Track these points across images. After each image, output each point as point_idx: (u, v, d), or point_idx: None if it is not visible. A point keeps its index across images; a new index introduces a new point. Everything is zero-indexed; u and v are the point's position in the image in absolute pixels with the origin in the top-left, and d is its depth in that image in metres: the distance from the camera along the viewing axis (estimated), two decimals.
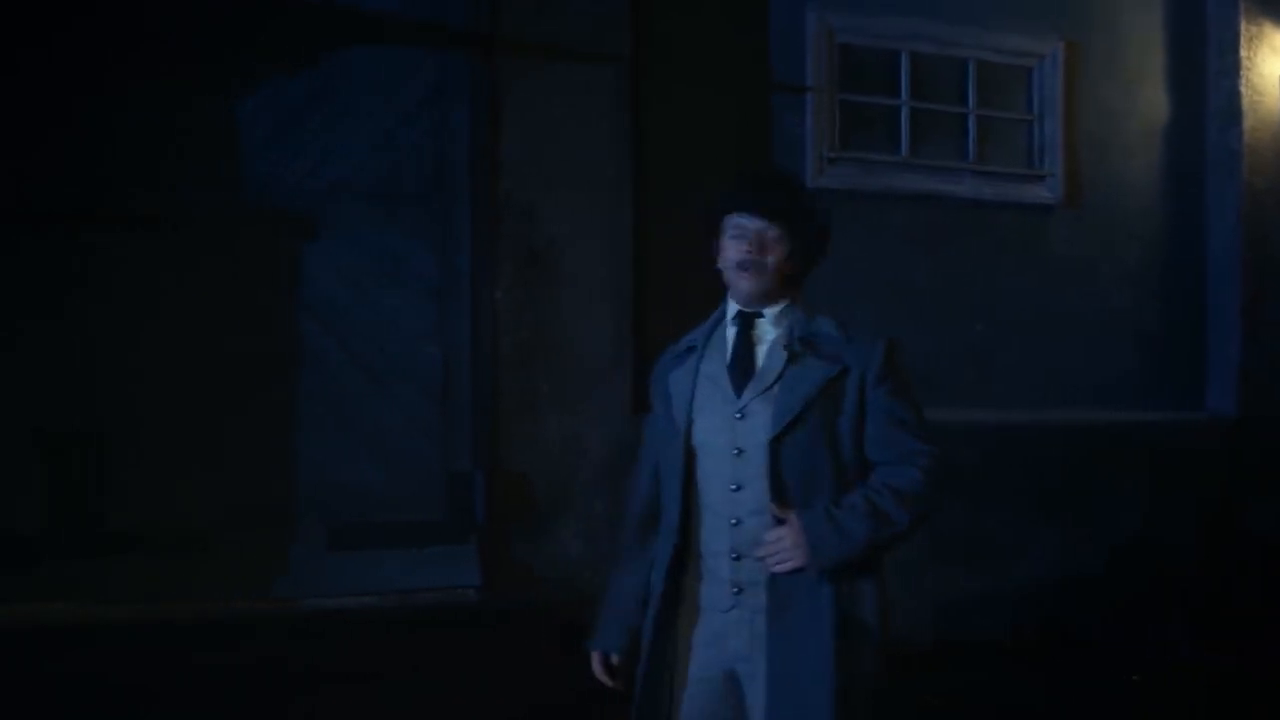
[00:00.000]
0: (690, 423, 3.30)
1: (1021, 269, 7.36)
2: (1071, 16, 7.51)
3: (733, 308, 3.35)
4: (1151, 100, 7.72)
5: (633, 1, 6.28)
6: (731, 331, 3.33)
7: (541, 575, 6.03)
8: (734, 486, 3.25)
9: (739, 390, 3.28)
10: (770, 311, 3.31)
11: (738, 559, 3.25)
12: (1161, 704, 6.30)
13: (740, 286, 3.30)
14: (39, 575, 5.42)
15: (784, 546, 3.15)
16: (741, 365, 3.30)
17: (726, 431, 3.27)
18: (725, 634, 3.28)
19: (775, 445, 3.21)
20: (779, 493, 3.21)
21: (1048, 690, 6.35)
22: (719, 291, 6.26)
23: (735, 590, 3.26)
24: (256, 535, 5.74)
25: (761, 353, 3.30)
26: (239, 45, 5.77)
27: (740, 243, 3.27)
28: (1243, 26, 7.66)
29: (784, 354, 3.26)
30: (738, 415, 3.26)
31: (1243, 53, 7.67)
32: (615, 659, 3.43)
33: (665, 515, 3.36)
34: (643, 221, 6.31)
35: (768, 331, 3.31)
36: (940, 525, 6.63)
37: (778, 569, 3.17)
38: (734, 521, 3.25)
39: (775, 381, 3.25)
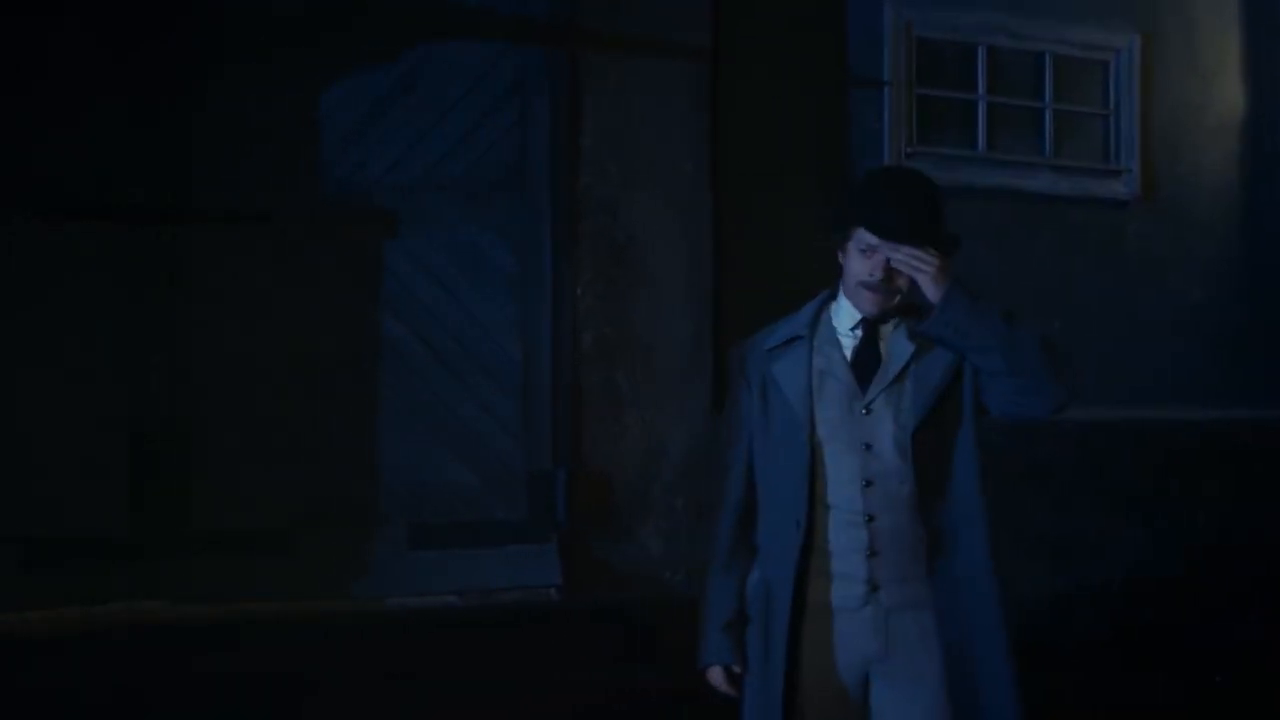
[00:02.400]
0: (811, 419, 3.24)
1: (1098, 265, 7.29)
2: (1147, 9, 7.43)
3: (850, 315, 3.28)
4: (1228, 93, 7.64)
5: None
6: (852, 336, 3.27)
7: (622, 575, 5.99)
8: (865, 482, 3.18)
9: (863, 384, 3.22)
10: (894, 318, 3.25)
11: (874, 555, 3.19)
12: (1245, 704, 6.21)
13: (862, 304, 3.22)
14: (125, 574, 5.41)
15: (931, 260, 3.10)
16: (865, 361, 3.23)
17: (853, 427, 3.19)
18: (857, 634, 3.20)
19: (915, 437, 3.16)
20: (920, 484, 3.16)
21: (1131, 689, 6.28)
22: (798, 290, 6.24)
23: (870, 589, 3.20)
24: (339, 533, 5.71)
25: (884, 349, 3.24)
26: (320, 40, 5.75)
27: (868, 263, 3.18)
28: None
29: (910, 346, 3.21)
30: (864, 411, 3.21)
31: None
32: (737, 669, 3.31)
33: (782, 512, 3.25)
34: (722, 217, 6.26)
35: (889, 332, 3.25)
36: (1025, 526, 6.62)
37: (918, 272, 3.11)
38: (868, 518, 3.19)
39: (901, 374, 3.20)
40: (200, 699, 4.99)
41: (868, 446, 3.19)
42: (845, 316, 3.27)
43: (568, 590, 5.91)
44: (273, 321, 5.66)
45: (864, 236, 3.18)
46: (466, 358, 5.92)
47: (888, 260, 3.16)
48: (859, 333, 3.24)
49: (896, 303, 3.22)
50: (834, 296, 3.32)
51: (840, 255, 3.25)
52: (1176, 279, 7.45)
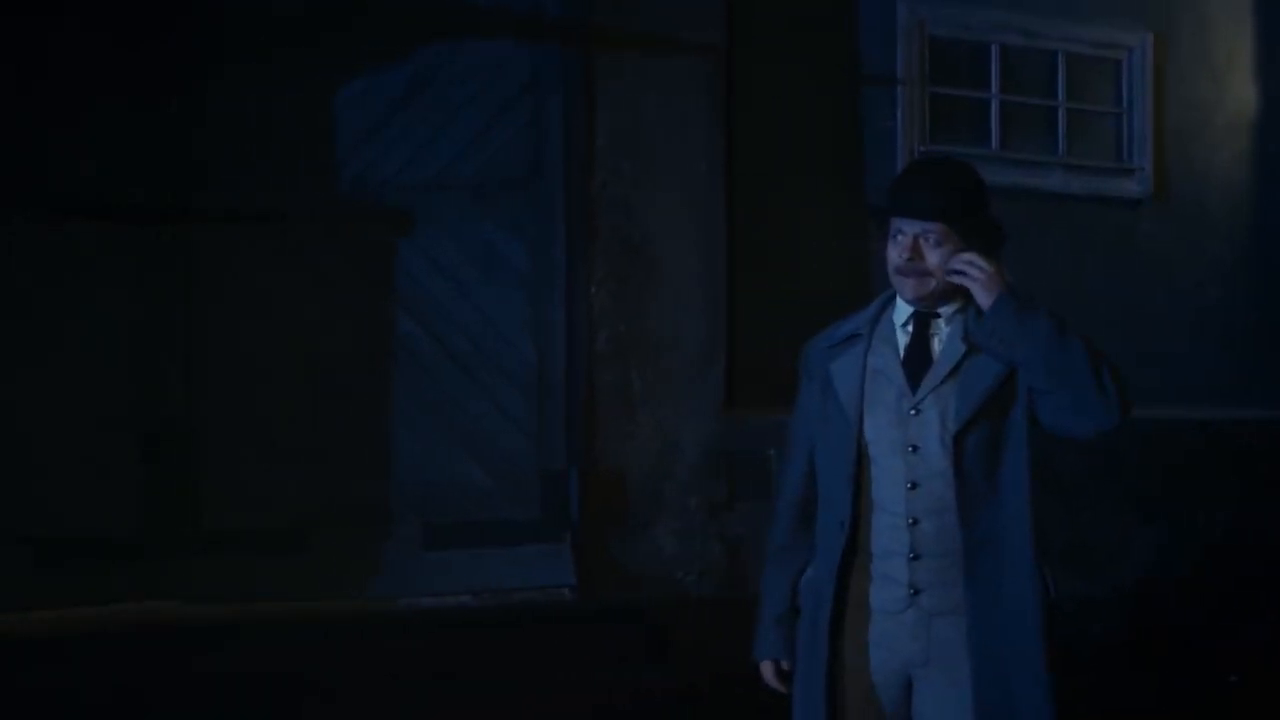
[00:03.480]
0: (860, 418, 3.22)
1: (1110, 264, 7.26)
2: (1159, 8, 7.41)
3: (905, 309, 3.25)
4: (1240, 92, 7.62)
5: None
6: (904, 332, 3.24)
7: (636, 574, 5.96)
8: (910, 485, 3.15)
9: (914, 385, 3.19)
10: (946, 310, 3.21)
11: (916, 559, 3.15)
12: (1259, 704, 6.20)
13: (902, 292, 3.22)
14: (136, 574, 5.38)
15: (984, 267, 3.05)
16: (916, 360, 3.20)
17: (900, 428, 3.16)
18: (898, 637, 3.18)
19: (959, 440, 3.12)
20: (964, 489, 3.12)
21: (1145, 691, 6.26)
22: (812, 288, 6.22)
23: (912, 592, 3.16)
24: (351, 533, 5.68)
25: (937, 348, 3.21)
26: (333, 39, 5.72)
27: (897, 246, 3.18)
28: None
29: (961, 347, 3.17)
30: (912, 411, 3.17)
31: None
32: (785, 665, 3.35)
33: (831, 511, 3.25)
34: (735, 216, 6.23)
35: (942, 329, 3.22)
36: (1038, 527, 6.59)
37: (970, 280, 3.06)
38: (911, 521, 3.15)
39: (951, 375, 3.16)
40: (210, 700, 4.96)
41: (914, 448, 3.15)
42: (902, 313, 3.25)
43: (581, 590, 5.88)
44: (284, 321, 5.62)
45: (893, 222, 3.19)
46: (480, 357, 5.90)
47: (914, 240, 3.15)
48: (910, 329, 3.22)
49: (934, 290, 3.18)
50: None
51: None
52: (1188, 278, 7.43)
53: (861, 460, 3.19)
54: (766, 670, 3.39)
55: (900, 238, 3.17)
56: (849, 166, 6.62)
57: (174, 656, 5.09)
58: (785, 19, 6.44)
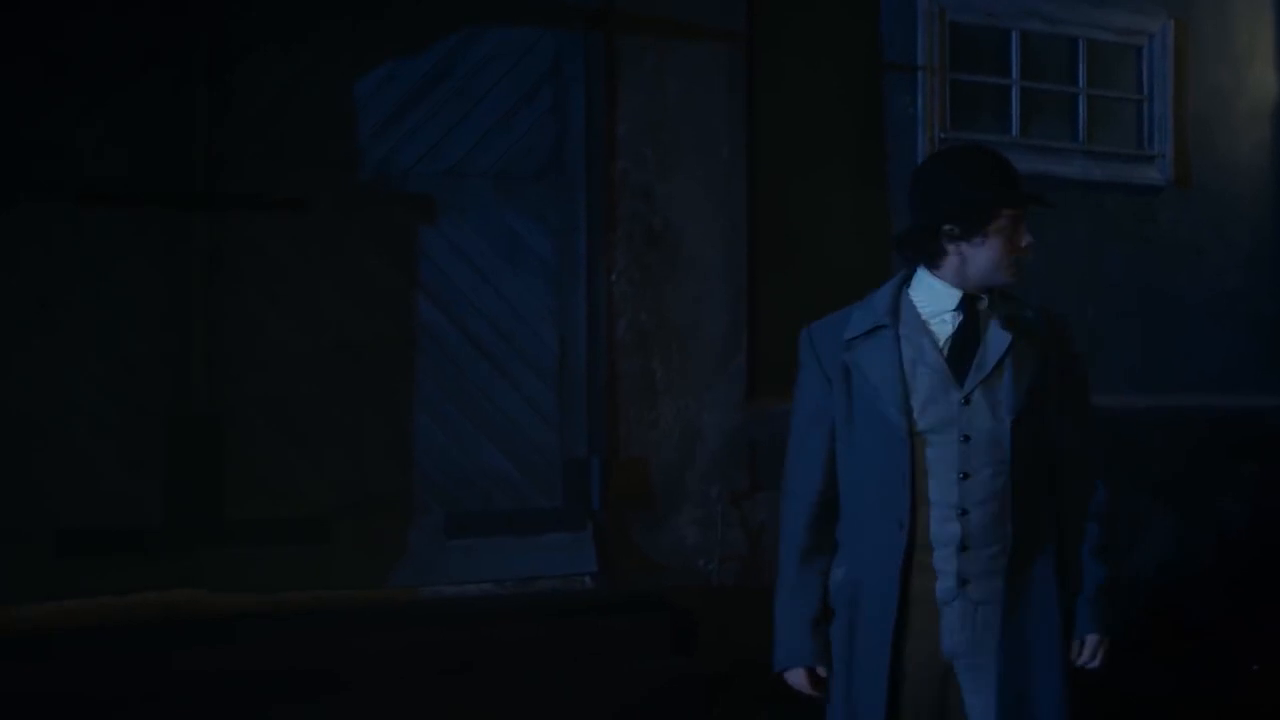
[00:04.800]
0: (908, 413, 3.18)
1: (1131, 251, 7.25)
2: None
3: (946, 296, 3.23)
4: (1261, 79, 7.59)
5: None
6: (952, 319, 3.22)
7: (657, 563, 5.96)
8: (961, 475, 3.14)
9: (960, 374, 3.18)
10: (986, 295, 3.22)
11: (965, 550, 3.15)
12: (1275, 694, 6.19)
13: (1006, 276, 3.21)
14: (158, 564, 5.36)
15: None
16: (963, 348, 3.19)
17: (951, 418, 3.15)
18: (944, 626, 3.17)
19: (1015, 427, 3.12)
20: (1017, 476, 3.12)
21: (1167, 680, 6.24)
22: (833, 275, 6.18)
23: (960, 583, 3.15)
24: (376, 522, 5.67)
25: (983, 335, 3.20)
26: (355, 25, 5.70)
27: (1019, 231, 3.20)
28: None
29: (1007, 334, 3.17)
30: (963, 401, 3.16)
31: None
32: (822, 670, 3.28)
33: (885, 511, 3.18)
34: (757, 203, 6.22)
35: (984, 309, 3.22)
36: None
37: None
38: (961, 512, 3.14)
39: (1000, 364, 3.16)
40: (230, 689, 4.96)
41: (966, 438, 3.15)
42: (931, 300, 3.23)
43: (603, 578, 5.88)
44: (309, 308, 5.60)
45: (1006, 212, 3.19)
46: (503, 344, 5.87)
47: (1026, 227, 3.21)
48: (960, 315, 3.20)
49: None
50: (907, 281, 3.28)
51: (960, 245, 3.19)
52: (1210, 265, 7.41)
53: (914, 456, 3.17)
54: (797, 678, 3.30)
55: (1019, 224, 3.18)
56: (870, 154, 6.60)
57: (195, 646, 5.09)
58: (807, 5, 6.42)
